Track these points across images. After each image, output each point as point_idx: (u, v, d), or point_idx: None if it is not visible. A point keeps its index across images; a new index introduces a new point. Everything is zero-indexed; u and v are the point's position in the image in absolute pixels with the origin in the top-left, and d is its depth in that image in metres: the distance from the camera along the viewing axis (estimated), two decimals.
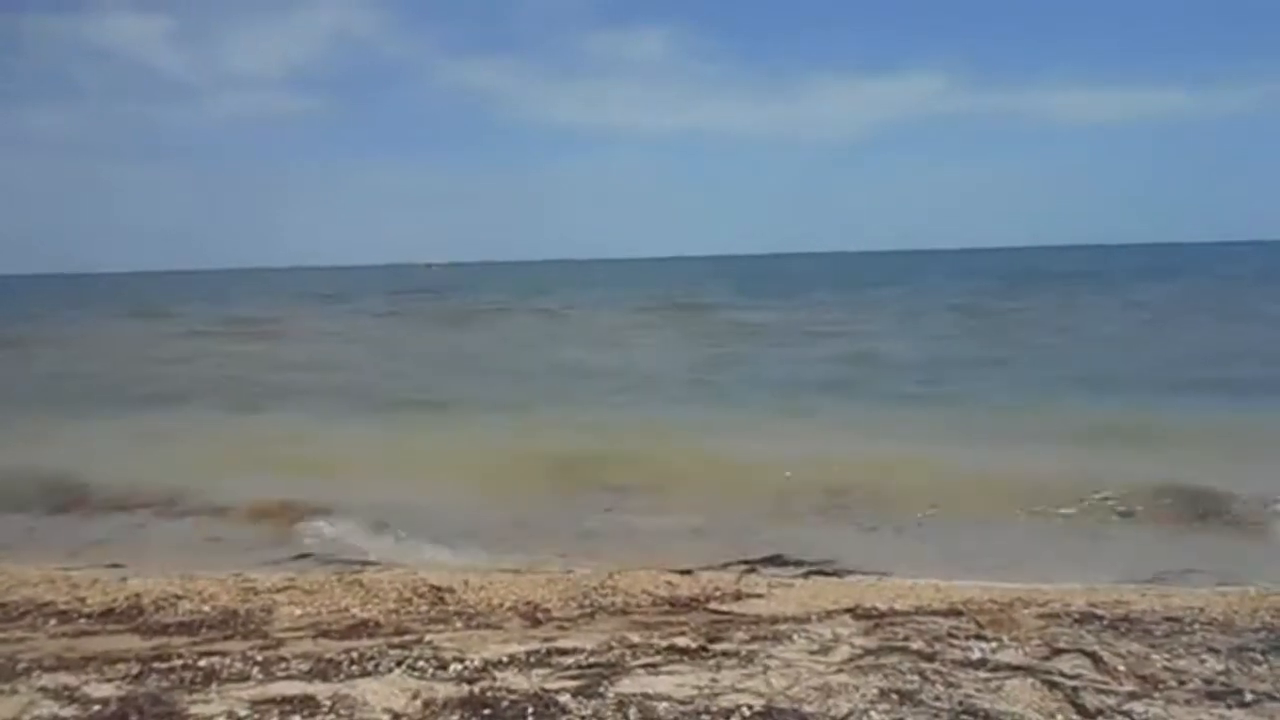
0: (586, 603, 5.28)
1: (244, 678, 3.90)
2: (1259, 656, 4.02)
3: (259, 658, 4.16)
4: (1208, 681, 3.73)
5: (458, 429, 12.12)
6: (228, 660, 4.11)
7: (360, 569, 6.43)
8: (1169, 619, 4.65)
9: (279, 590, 5.60)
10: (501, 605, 5.24)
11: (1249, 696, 3.57)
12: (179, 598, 5.46)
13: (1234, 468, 8.65)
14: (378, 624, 4.89)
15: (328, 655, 4.17)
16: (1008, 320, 26.23)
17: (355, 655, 4.14)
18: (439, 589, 5.56)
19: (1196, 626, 4.51)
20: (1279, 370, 15.06)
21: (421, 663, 4.03)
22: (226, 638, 4.69)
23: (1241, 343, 18.86)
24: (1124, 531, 7.46)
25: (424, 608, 5.25)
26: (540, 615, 5.04)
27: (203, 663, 4.08)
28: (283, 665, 4.05)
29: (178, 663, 4.09)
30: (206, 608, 5.27)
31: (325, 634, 4.69)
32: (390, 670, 3.95)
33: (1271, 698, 3.56)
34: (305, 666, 4.02)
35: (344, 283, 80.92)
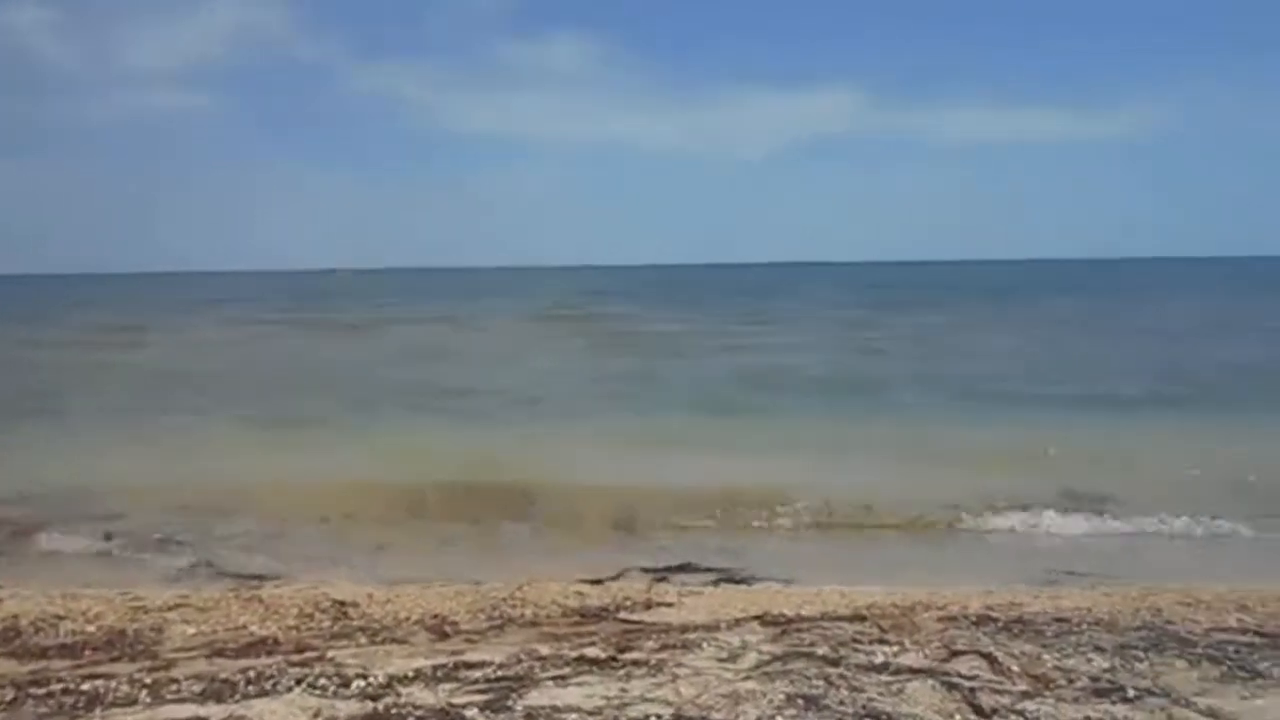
0: (495, 615, 5.20)
1: (131, 701, 3.71)
2: (1140, 654, 4.23)
3: (148, 680, 3.96)
4: (1094, 679, 3.91)
5: (352, 441, 11.73)
6: (113, 684, 3.91)
7: (259, 584, 6.21)
8: (1059, 619, 4.85)
9: (170, 608, 5.34)
10: (408, 619, 5.12)
11: (1131, 693, 3.75)
12: (60, 618, 5.15)
13: (1117, 477, 9.11)
14: (277, 641, 4.71)
15: (222, 675, 4.00)
16: (902, 333, 26.99)
17: (252, 675, 3.99)
18: (342, 603, 5.40)
19: (1084, 626, 4.71)
20: (1159, 384, 15.92)
21: (323, 680, 3.90)
22: (113, 660, 4.45)
23: (1122, 357, 19.87)
24: (1014, 538, 7.76)
25: (326, 623, 5.09)
26: (448, 628, 4.94)
27: (86, 687, 3.87)
28: (173, 687, 3.86)
29: (58, 687, 3.87)
30: (91, 628, 4.99)
31: (220, 653, 4.50)
32: (289, 689, 3.82)
33: (1151, 693, 3.75)
34: (198, 688, 3.85)
35: (243, 288, 78.15)
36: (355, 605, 5.38)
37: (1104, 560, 6.95)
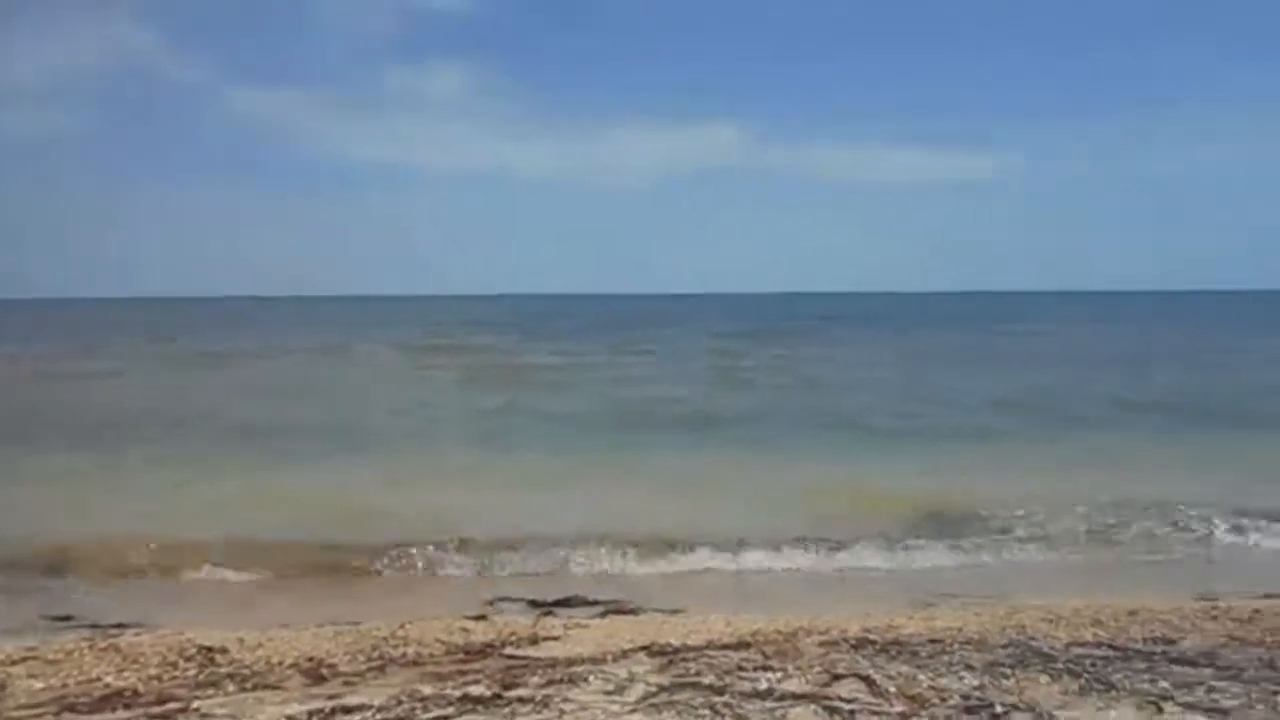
0: (375, 655, 5.03)
1: None
2: (1008, 670, 4.43)
3: None
4: (965, 697, 4.07)
5: (210, 484, 11.05)
6: None
7: (117, 633, 5.81)
8: (933, 640, 5.03)
9: (15, 662, 4.94)
10: (281, 663, 4.89)
11: (999, 709, 3.92)
12: None
13: (982, 493, 9.57)
14: (136, 693, 4.42)
15: None
16: (774, 364, 27.58)
17: None
18: (209, 650, 5.11)
19: (956, 646, 4.91)
20: (1015, 413, 16.86)
21: None
22: None
23: (983, 387, 20.91)
24: (887, 563, 8.02)
25: (192, 671, 4.80)
26: (324, 671, 4.74)
27: None
28: None
29: None
30: None
31: (71, 708, 4.19)
32: None
33: (1017, 708, 3.93)
34: None
35: (104, 316, 73.75)
36: (224, 651, 5.10)
37: (973, 582, 7.26)
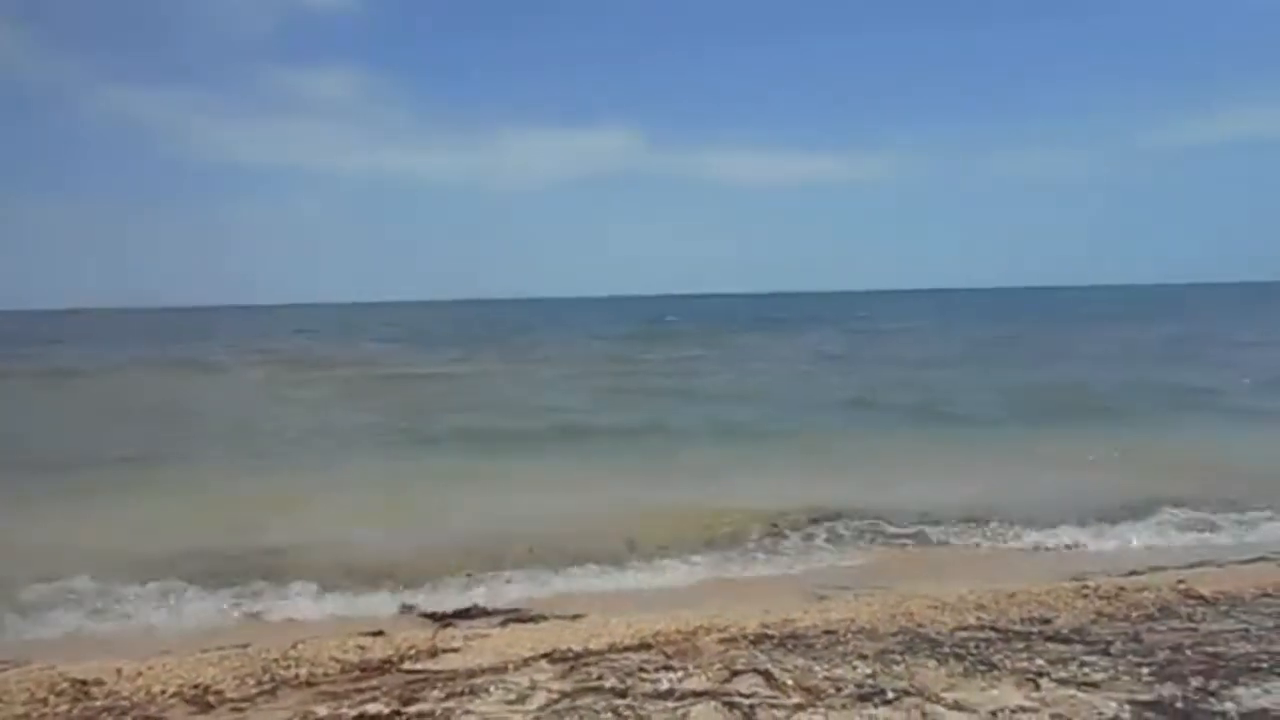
0: (266, 678, 4.84)
1: None
2: (898, 657, 4.61)
3: None
4: (859, 685, 4.21)
5: (68, 507, 10.42)
6: None
7: None
8: (827, 631, 5.18)
9: None
10: (163, 693, 4.65)
11: (890, 694, 4.07)
12: None
13: (893, 489, 9.91)
14: None
15: None
16: (659, 368, 27.76)
17: None
18: (83, 682, 4.82)
19: (849, 636, 5.07)
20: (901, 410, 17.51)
21: None
22: None
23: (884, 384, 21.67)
24: (795, 552, 8.21)
25: (64, 707, 4.52)
26: (211, 699, 4.54)
27: None
28: None
29: None
30: None
31: None
32: None
33: (908, 693, 4.09)
34: None
35: None
36: (99, 683, 4.82)
37: (865, 573, 7.50)
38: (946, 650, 4.69)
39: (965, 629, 5.14)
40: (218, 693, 4.62)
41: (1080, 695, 4.02)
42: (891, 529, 8.70)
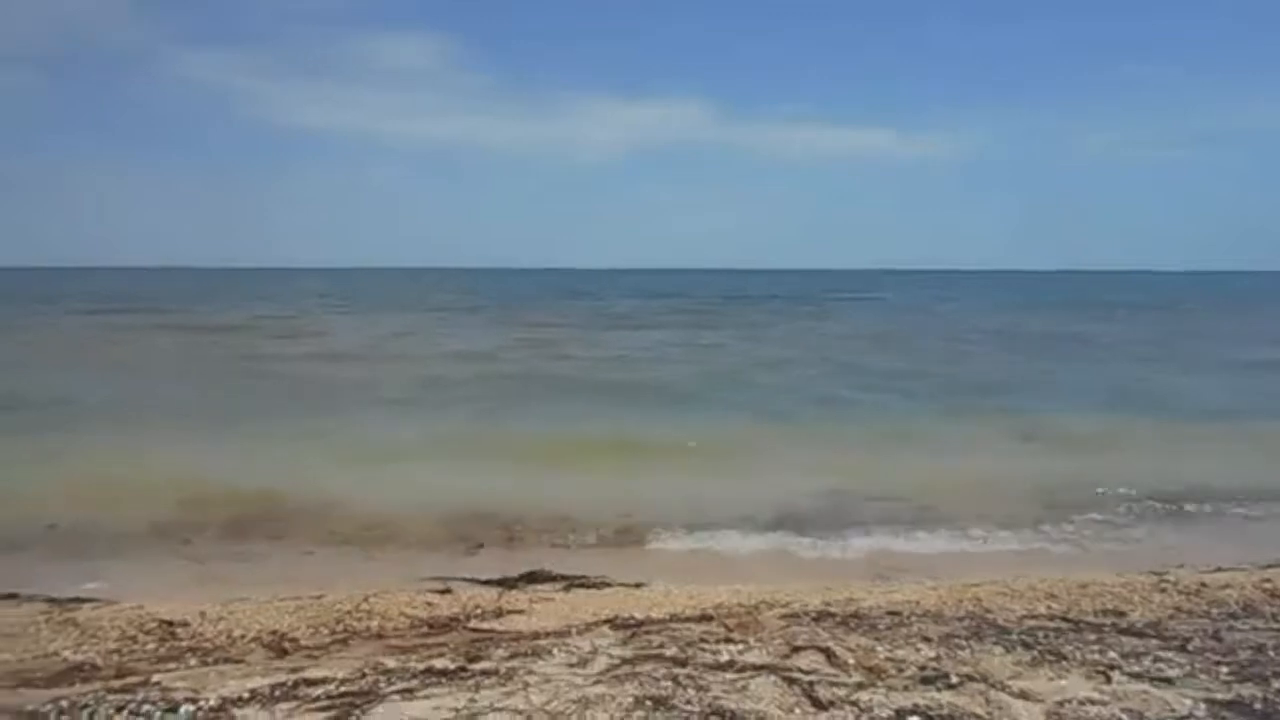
0: (339, 628, 5.02)
1: None
2: (963, 642, 4.54)
3: None
4: (922, 668, 4.16)
5: (139, 457, 10.89)
6: None
7: (76, 606, 5.74)
8: (891, 613, 5.13)
9: None
10: (243, 636, 4.87)
11: (954, 679, 4.01)
12: None
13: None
14: (95, 667, 4.38)
15: (29, 707, 3.69)
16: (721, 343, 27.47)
17: (64, 705, 3.69)
18: (170, 623, 5.08)
19: (914, 618, 5.01)
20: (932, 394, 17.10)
21: (147, 706, 3.66)
22: None
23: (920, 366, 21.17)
24: (851, 534, 8.15)
25: (152, 645, 4.77)
26: (287, 645, 4.73)
27: None
28: None
29: None
30: None
31: (28, 683, 4.14)
32: (109, 718, 3.56)
33: (972, 679, 4.03)
34: None
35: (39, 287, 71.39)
36: (185, 625, 5.07)
37: (931, 558, 7.39)
38: (1014, 638, 4.60)
39: (1034, 618, 5.04)
40: (293, 639, 4.81)
41: (1154, 691, 3.91)
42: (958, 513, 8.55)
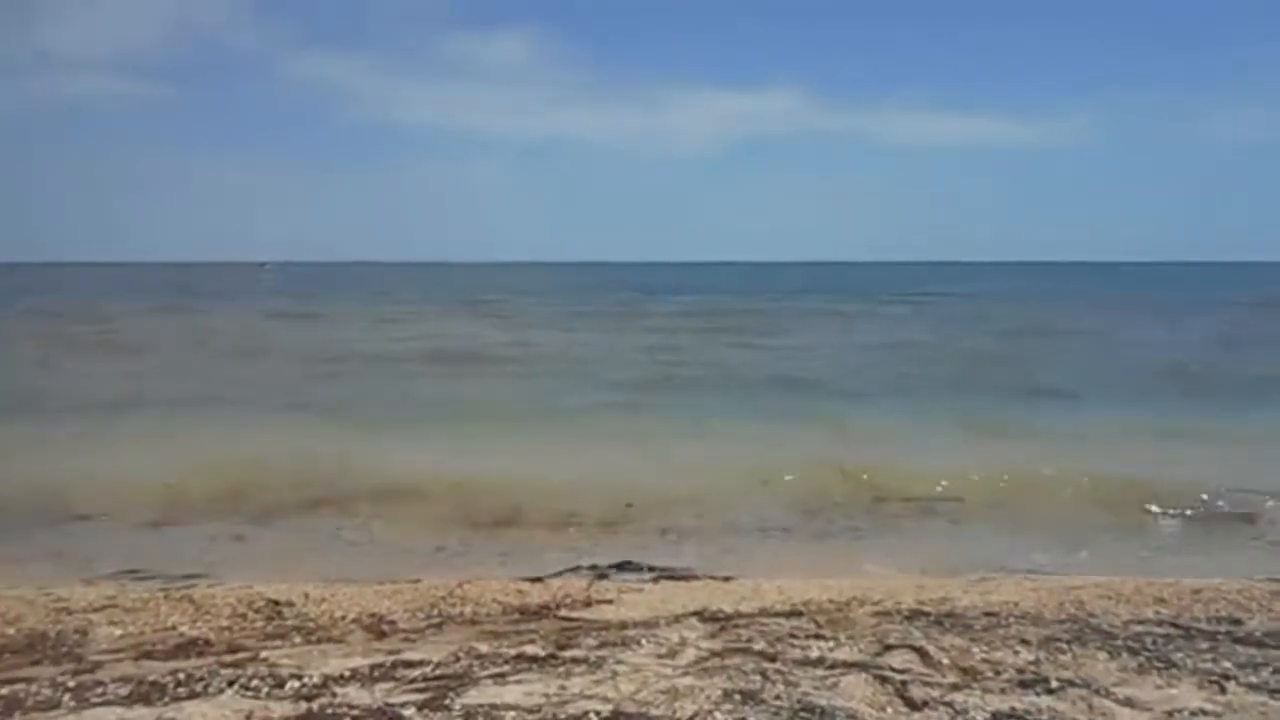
0: (434, 613, 5.17)
1: (53, 705, 3.60)
2: (1064, 646, 4.38)
3: (71, 683, 3.85)
4: (1020, 671, 4.03)
5: (228, 438, 11.40)
6: (34, 687, 3.79)
7: (191, 584, 6.06)
8: (988, 613, 4.99)
9: (96, 609, 5.19)
10: (344, 618, 5.05)
11: (1054, 684, 3.88)
12: None
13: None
14: (208, 642, 4.62)
15: (151, 678, 3.91)
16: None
17: (182, 676, 3.90)
18: (276, 603, 5.31)
19: (1011, 619, 4.86)
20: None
21: (256, 681, 3.84)
22: (34, 663, 4.31)
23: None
24: (948, 529, 7.96)
25: (260, 623, 5.00)
26: (385, 627, 4.89)
27: (4, 691, 3.74)
28: (99, 690, 3.76)
29: None
30: (10, 630, 4.83)
31: (149, 655, 4.39)
32: (221, 691, 3.75)
33: (1073, 684, 3.89)
34: (125, 691, 3.76)
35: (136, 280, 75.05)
36: (290, 604, 5.29)
37: (1030, 558, 7.16)
38: (1119, 643, 4.42)
39: (1142, 622, 4.83)
40: (391, 622, 4.97)
41: (1273, 703, 3.70)
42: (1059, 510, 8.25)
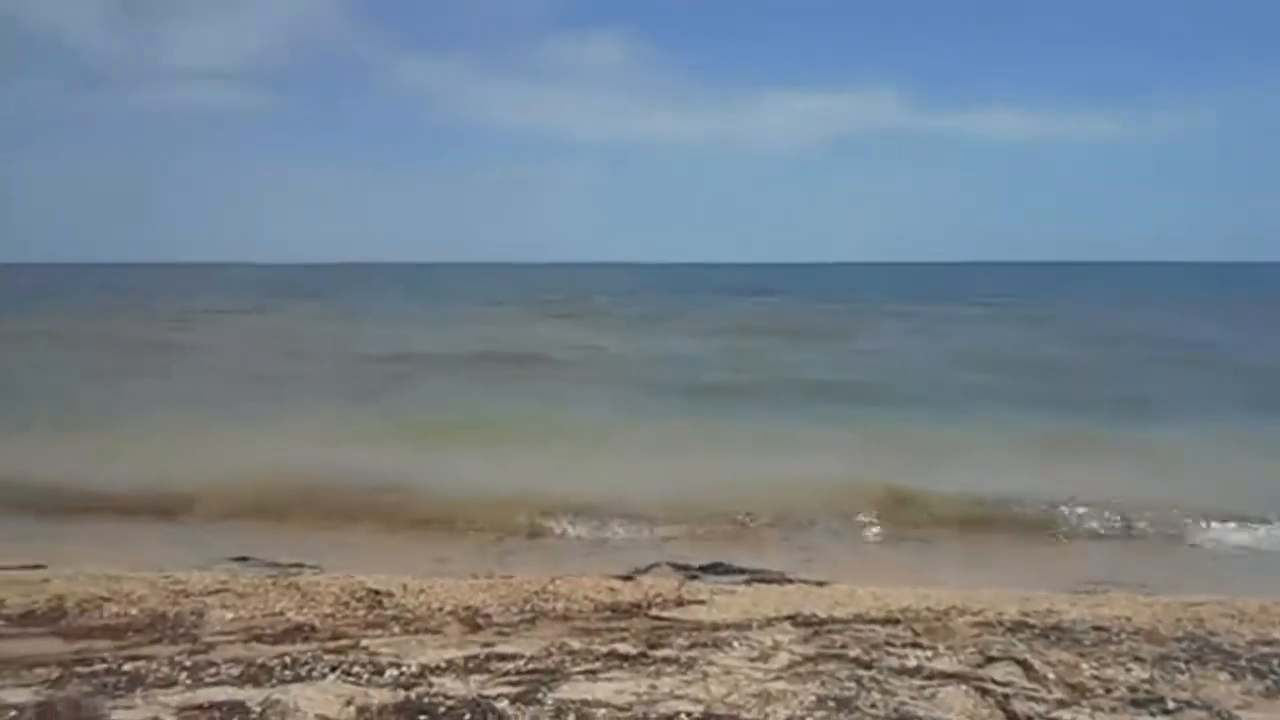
0: (527, 608, 5.23)
1: (171, 683, 3.78)
2: (1182, 665, 4.14)
3: (187, 662, 4.04)
4: (1133, 690, 3.83)
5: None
6: (154, 665, 3.99)
7: (297, 572, 6.30)
8: (1097, 628, 4.76)
9: (210, 593, 5.45)
10: (440, 610, 5.17)
11: (1171, 704, 3.67)
12: (104, 600, 5.28)
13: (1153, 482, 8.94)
14: (313, 628, 4.79)
15: (259, 660, 4.07)
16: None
17: (289, 660, 4.05)
18: (377, 593, 5.48)
19: (1124, 635, 4.63)
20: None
21: (357, 668, 3.95)
22: (153, 641, 4.55)
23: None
24: (1051, 543, 7.65)
25: (361, 612, 5.16)
26: (480, 620, 4.98)
27: (127, 667, 3.95)
28: (212, 670, 3.94)
29: (101, 667, 3.96)
30: (133, 610, 5.11)
31: (258, 638, 4.58)
32: (324, 676, 3.87)
33: (1192, 705, 3.67)
34: (236, 671, 3.92)
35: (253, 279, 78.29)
36: (390, 595, 5.45)
37: (1137, 569, 6.82)
38: (1243, 664, 4.15)
39: (1269, 643, 4.53)
40: (486, 616, 5.06)
41: None
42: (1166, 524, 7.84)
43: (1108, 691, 3.81)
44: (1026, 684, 3.88)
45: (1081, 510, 8.17)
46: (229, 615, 5.03)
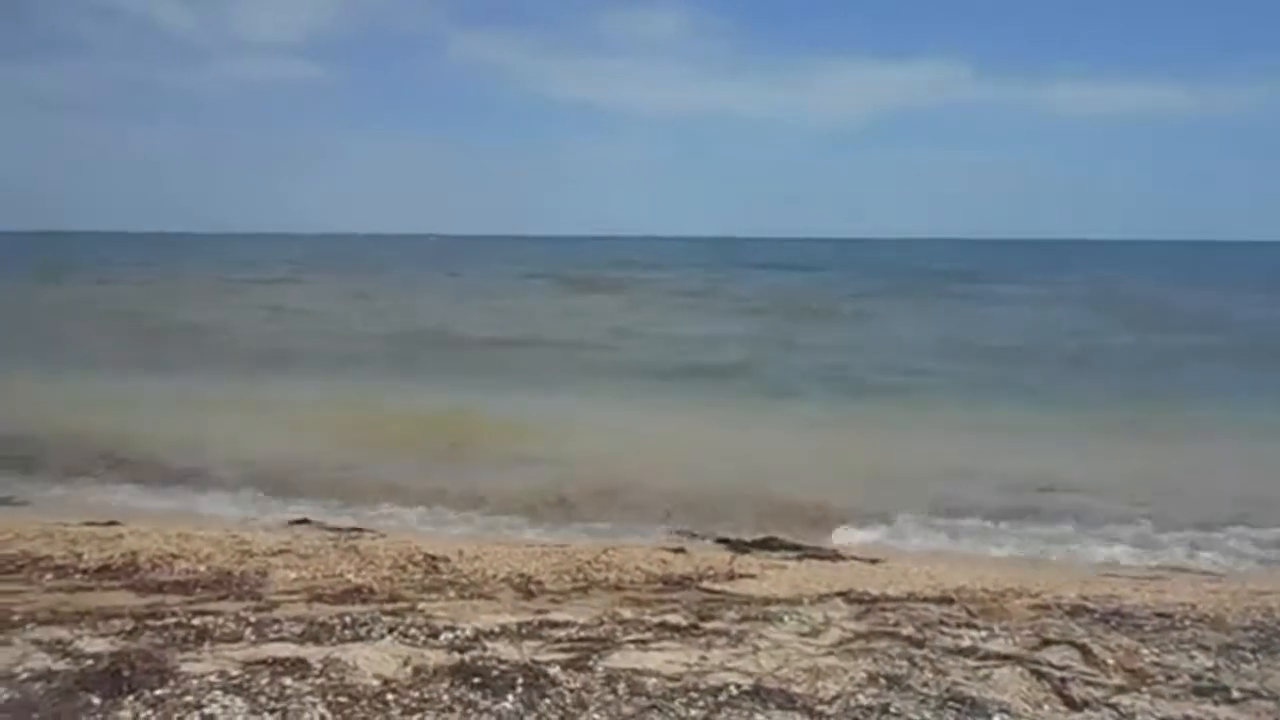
0: (580, 577, 5.29)
1: (236, 638, 3.91)
2: (1248, 655, 4.02)
3: (252, 619, 4.17)
4: (1196, 678, 3.74)
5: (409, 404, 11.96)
6: (221, 620, 4.13)
7: (357, 535, 6.46)
8: (1160, 614, 4.65)
9: (275, 553, 5.62)
10: (495, 576, 5.26)
11: (1236, 694, 3.57)
12: (175, 557, 5.48)
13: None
14: (372, 590, 4.91)
15: (320, 619, 4.18)
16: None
17: (348, 620, 4.15)
18: (434, 558, 5.59)
19: (1187, 622, 4.51)
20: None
21: (414, 630, 4.04)
22: (220, 598, 4.71)
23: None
24: (1116, 526, 7.47)
25: (418, 576, 5.27)
26: (533, 587, 5.06)
27: (196, 621, 4.09)
28: (275, 627, 4.06)
29: (171, 620, 4.11)
30: (202, 568, 5.30)
31: (319, 598, 4.71)
32: (382, 636, 3.96)
33: (1259, 695, 3.57)
34: (298, 629, 4.03)
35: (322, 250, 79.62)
36: (446, 560, 5.55)
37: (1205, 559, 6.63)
38: None
39: None
40: (538, 583, 5.13)
41: None
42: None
43: (1169, 679, 3.72)
44: (1084, 668, 3.81)
45: (1144, 496, 7.97)
46: (291, 575, 5.18)
